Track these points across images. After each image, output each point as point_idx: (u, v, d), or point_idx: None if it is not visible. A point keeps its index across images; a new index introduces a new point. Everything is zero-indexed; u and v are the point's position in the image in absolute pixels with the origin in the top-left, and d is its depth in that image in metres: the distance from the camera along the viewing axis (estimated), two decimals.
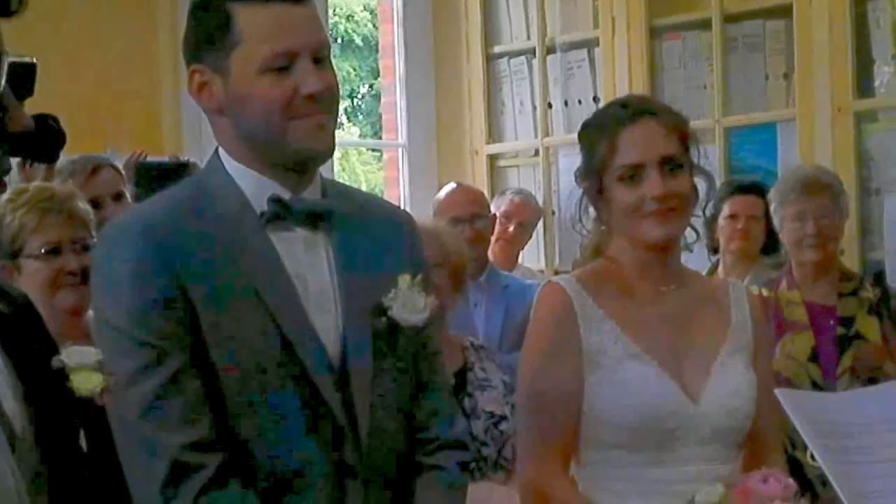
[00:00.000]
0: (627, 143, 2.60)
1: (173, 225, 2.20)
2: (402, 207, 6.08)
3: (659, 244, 2.62)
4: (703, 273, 4.81)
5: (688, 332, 2.65)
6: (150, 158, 4.72)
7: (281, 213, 2.23)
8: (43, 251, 3.08)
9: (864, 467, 1.55)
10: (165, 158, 4.86)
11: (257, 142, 2.22)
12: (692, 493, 2.46)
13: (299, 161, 2.23)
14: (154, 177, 4.53)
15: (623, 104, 2.74)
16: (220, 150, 2.29)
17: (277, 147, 2.21)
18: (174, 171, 4.53)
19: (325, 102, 2.19)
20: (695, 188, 2.67)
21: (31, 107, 3.14)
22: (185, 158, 4.87)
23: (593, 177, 2.64)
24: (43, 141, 3.69)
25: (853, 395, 2.00)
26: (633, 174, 2.59)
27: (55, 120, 3.83)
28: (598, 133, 2.65)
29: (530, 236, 5.68)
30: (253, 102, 2.18)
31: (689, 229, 2.74)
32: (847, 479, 1.53)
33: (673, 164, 2.60)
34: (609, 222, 2.67)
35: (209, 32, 2.21)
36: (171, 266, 2.16)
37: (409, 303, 2.26)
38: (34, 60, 3.12)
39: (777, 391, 2.08)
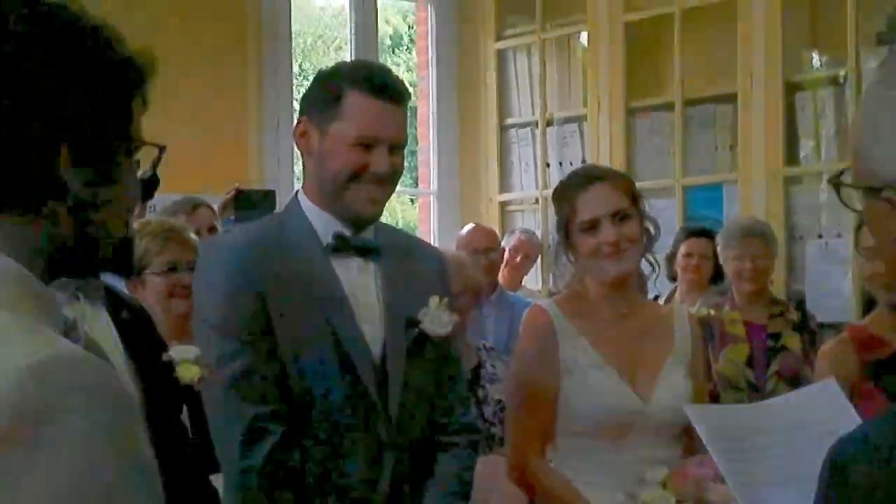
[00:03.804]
0: (584, 204, 2.59)
1: (257, 248, 2.22)
2: (433, 245, 6.19)
3: (616, 279, 2.62)
4: (664, 296, 4.90)
5: (641, 347, 2.64)
6: (244, 188, 4.77)
7: (341, 246, 2.24)
8: (163, 269, 3.12)
9: (757, 464, 1.55)
10: (257, 188, 4.90)
11: (326, 190, 2.24)
12: (642, 473, 2.47)
13: (349, 217, 2.25)
14: (248, 201, 4.61)
15: (578, 173, 2.76)
16: (300, 195, 2.30)
17: (337, 201, 2.23)
18: (263, 198, 4.63)
19: (386, 181, 2.22)
20: (647, 231, 2.66)
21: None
22: (270, 189, 4.91)
23: (562, 229, 2.65)
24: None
25: (762, 406, 1.98)
26: (592, 226, 2.58)
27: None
28: (562, 198, 2.66)
29: (532, 265, 5.68)
30: (334, 160, 2.20)
31: (647, 264, 2.72)
32: (739, 475, 1.53)
33: (622, 215, 2.59)
34: (577, 262, 2.66)
35: (322, 100, 2.22)
36: (254, 279, 2.17)
37: (436, 319, 2.27)
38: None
39: (686, 406, 2.10)
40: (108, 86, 1.17)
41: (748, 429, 1.57)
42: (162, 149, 1.27)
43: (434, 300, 2.28)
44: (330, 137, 2.20)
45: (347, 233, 2.25)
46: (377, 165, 2.19)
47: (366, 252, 2.27)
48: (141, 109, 1.23)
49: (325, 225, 2.25)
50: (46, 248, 1.15)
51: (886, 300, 2.97)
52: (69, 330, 1.14)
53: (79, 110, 1.14)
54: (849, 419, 1.57)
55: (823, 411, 1.58)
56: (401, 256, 2.32)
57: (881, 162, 1.14)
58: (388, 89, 2.21)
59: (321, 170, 2.24)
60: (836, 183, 1.21)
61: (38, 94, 1.12)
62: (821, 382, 1.66)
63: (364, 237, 2.27)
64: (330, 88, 2.22)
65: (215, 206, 4.50)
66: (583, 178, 2.67)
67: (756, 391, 4.07)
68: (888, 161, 1.12)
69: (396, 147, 2.23)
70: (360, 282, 2.25)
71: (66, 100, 1.13)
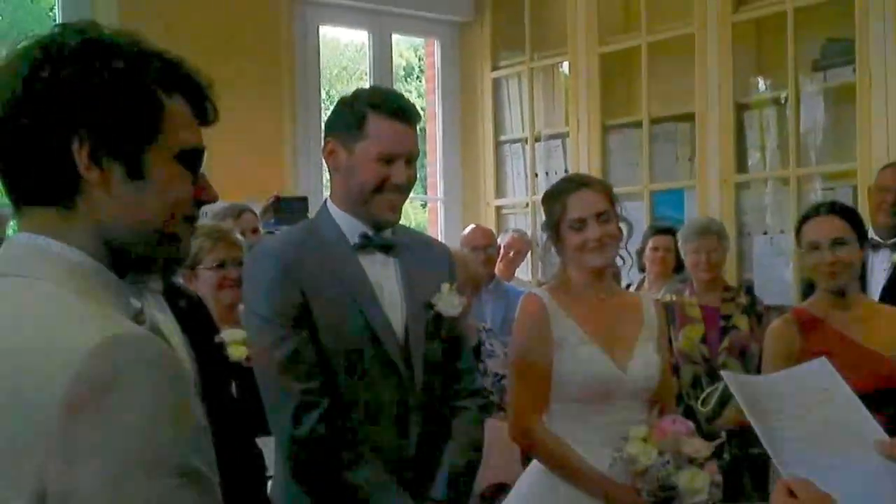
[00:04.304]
0: (574, 205, 2.60)
1: (296, 250, 2.21)
2: (442, 241, 6.18)
3: (597, 269, 2.63)
4: (635, 284, 4.89)
5: (618, 327, 2.65)
6: (282, 195, 4.77)
7: (366, 244, 2.23)
8: (214, 265, 3.11)
9: (776, 423, 1.57)
10: (292, 196, 4.90)
11: (353, 198, 2.22)
12: (625, 431, 2.48)
13: (373, 221, 2.24)
14: (286, 207, 4.60)
15: (569, 179, 2.76)
16: (328, 203, 2.28)
17: (363, 208, 2.21)
18: (298, 203, 4.62)
19: (403, 189, 2.21)
20: (620, 230, 2.66)
21: None
22: (304, 196, 4.93)
23: (552, 227, 2.65)
24: None
25: (780, 375, 2.01)
26: (579, 225, 2.59)
27: None
28: (555, 199, 2.66)
29: (523, 260, 5.66)
30: (361, 174, 2.19)
31: (619, 258, 2.71)
32: (766, 431, 1.54)
33: (605, 216, 2.60)
34: (564, 256, 2.67)
35: (347, 122, 2.19)
36: (295, 276, 2.15)
37: (448, 302, 2.26)
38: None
39: (723, 372, 2.12)
40: (121, 81, 1.07)
41: (766, 395, 1.60)
42: (201, 150, 1.16)
43: (446, 286, 2.27)
44: (356, 155, 2.19)
45: (371, 233, 2.24)
46: (397, 177, 2.18)
47: (387, 249, 2.26)
48: (180, 109, 1.12)
49: (351, 227, 2.24)
50: (94, 242, 1.10)
51: (830, 286, 2.95)
52: (137, 315, 1.12)
53: (90, 106, 1.06)
54: (839, 386, 1.61)
55: (822, 382, 1.62)
56: (416, 251, 2.31)
57: None
58: (404, 112, 2.20)
59: (349, 182, 2.21)
60: None
61: (49, 92, 1.06)
62: (815, 361, 1.69)
63: (385, 236, 2.26)
64: (353, 113, 2.20)
65: (258, 211, 4.51)
66: (573, 184, 2.67)
67: (709, 364, 4.04)
68: None
69: (411, 160, 2.22)
70: (383, 274, 2.23)
71: (77, 97, 1.06)
